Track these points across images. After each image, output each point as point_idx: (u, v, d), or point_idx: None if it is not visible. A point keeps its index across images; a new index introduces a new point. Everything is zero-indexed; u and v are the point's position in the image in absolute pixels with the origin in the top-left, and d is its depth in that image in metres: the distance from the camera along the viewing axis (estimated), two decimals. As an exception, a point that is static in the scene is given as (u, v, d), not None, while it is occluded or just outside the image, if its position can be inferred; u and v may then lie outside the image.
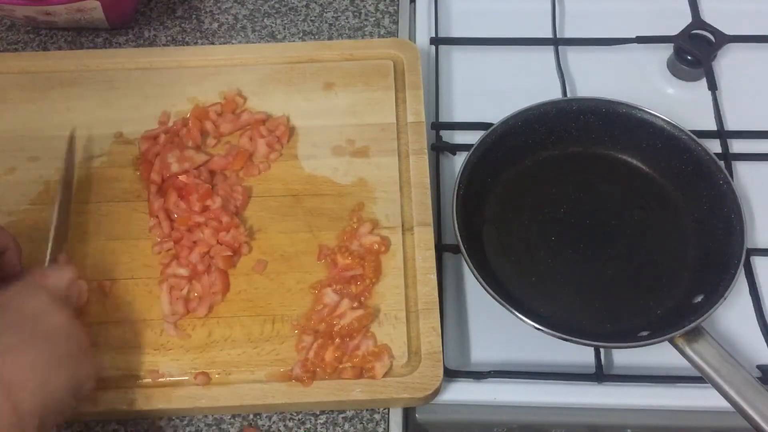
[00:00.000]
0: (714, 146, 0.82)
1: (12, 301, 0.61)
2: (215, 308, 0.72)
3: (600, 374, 0.72)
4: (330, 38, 0.94)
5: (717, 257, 0.74)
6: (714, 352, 0.67)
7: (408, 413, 0.72)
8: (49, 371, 0.58)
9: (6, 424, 0.53)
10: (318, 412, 0.70)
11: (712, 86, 0.89)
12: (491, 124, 0.80)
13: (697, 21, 0.93)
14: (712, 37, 0.91)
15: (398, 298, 0.72)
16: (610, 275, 0.76)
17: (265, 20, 0.96)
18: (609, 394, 0.71)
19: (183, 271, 0.73)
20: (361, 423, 0.70)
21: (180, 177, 0.77)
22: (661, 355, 0.71)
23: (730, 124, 0.87)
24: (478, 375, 0.71)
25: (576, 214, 0.80)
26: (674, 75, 0.92)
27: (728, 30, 0.91)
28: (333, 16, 0.96)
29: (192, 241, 0.74)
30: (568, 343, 0.69)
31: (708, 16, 0.95)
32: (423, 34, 0.94)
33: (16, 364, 0.56)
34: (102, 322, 0.71)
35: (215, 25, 0.95)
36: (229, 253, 0.73)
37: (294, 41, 0.93)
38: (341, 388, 0.68)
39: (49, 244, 0.73)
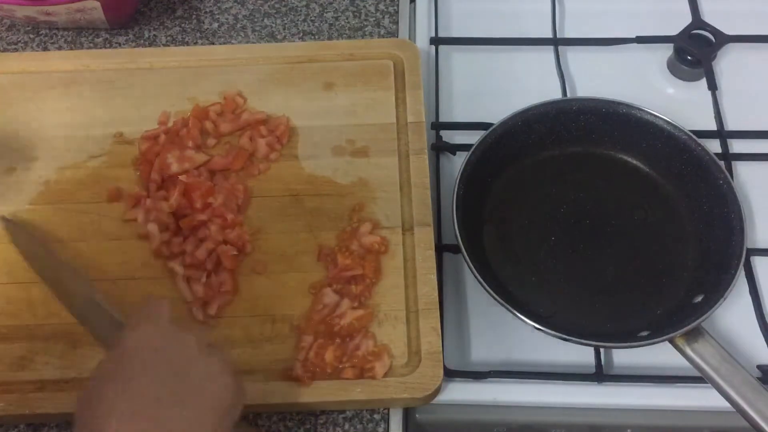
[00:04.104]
0: (714, 146, 0.82)
1: (144, 343, 0.49)
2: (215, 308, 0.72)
3: (600, 374, 0.72)
4: (330, 38, 0.94)
5: (717, 257, 0.74)
6: (714, 352, 0.67)
7: (408, 413, 0.72)
8: None
9: None
10: (318, 412, 0.70)
11: (712, 86, 0.89)
12: (491, 124, 0.80)
13: (697, 21, 0.93)
14: (712, 37, 0.91)
15: (398, 298, 0.72)
16: (610, 275, 0.76)
17: (265, 20, 0.96)
18: (609, 394, 0.71)
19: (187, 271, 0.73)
20: (361, 423, 0.70)
21: (180, 177, 0.77)
22: (661, 355, 0.71)
23: (730, 124, 0.87)
24: (478, 375, 0.71)
25: (576, 214, 0.79)
26: (674, 75, 0.91)
27: (728, 30, 0.91)
28: (333, 16, 0.96)
29: (198, 239, 0.74)
30: (568, 343, 0.69)
31: (708, 16, 0.95)
32: (423, 34, 0.93)
33: None
34: (102, 322, 0.71)
35: (215, 25, 0.95)
36: (235, 252, 0.73)
37: (294, 41, 0.93)
38: (341, 388, 0.67)
39: None
